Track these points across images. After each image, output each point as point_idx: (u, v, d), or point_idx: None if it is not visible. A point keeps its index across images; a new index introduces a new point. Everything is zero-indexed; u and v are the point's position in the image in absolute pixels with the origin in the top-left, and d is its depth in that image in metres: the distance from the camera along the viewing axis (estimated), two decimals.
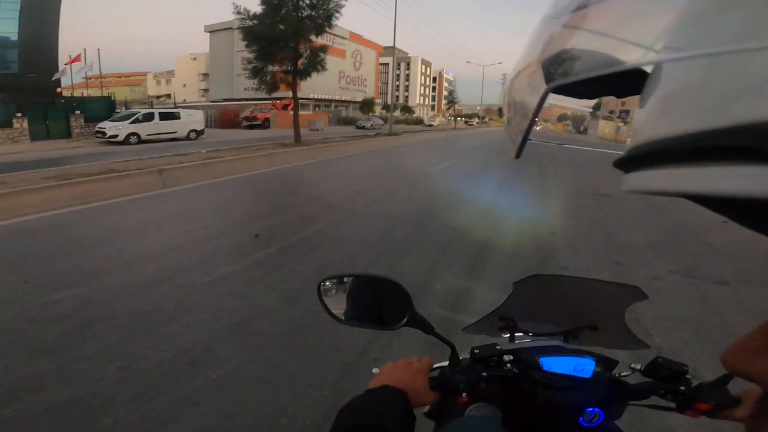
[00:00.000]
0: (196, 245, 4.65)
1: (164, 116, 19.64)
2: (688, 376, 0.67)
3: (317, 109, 44.39)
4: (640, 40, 0.21)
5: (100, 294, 3.40)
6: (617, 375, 0.73)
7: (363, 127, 36.23)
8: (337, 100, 48.69)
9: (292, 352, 2.66)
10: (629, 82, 0.24)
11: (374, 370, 0.73)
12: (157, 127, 19.17)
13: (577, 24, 0.26)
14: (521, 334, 0.89)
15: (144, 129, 18.63)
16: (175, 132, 19.86)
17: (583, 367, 0.71)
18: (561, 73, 0.26)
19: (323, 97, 45.49)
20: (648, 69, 0.24)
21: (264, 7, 13.79)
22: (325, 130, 30.26)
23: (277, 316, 3.10)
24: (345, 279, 0.79)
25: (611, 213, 7.01)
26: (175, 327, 2.93)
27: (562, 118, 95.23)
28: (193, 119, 20.92)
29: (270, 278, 3.80)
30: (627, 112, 56.89)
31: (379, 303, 0.76)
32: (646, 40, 0.21)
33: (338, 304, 0.78)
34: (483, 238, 5.19)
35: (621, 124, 50.20)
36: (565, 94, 0.29)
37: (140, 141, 18.28)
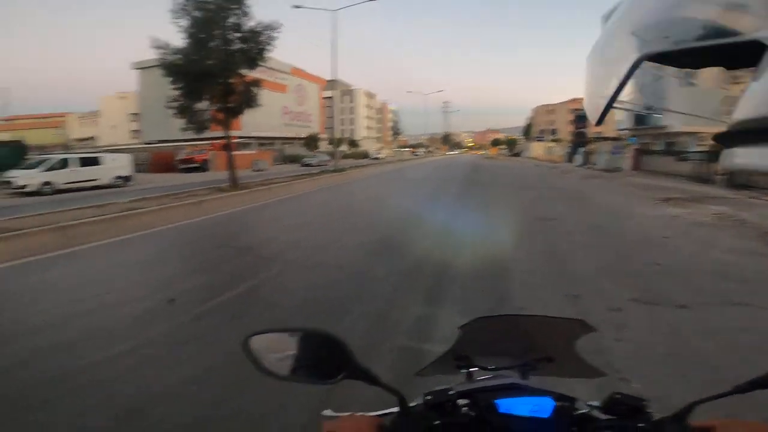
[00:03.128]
0: (88, 318, 3.79)
1: (84, 162, 17.90)
2: (648, 410, 0.64)
3: (261, 147, 43.39)
4: (763, 12, 0.19)
5: None
6: (576, 413, 0.68)
7: (309, 165, 35.59)
8: (282, 138, 47.94)
9: None
10: (743, 54, 0.22)
11: (324, 412, 0.73)
12: (75, 174, 17.38)
13: None
14: (479, 369, 0.91)
15: (60, 177, 16.80)
16: (98, 179, 18.14)
17: (541, 406, 0.68)
18: (660, 41, 0.25)
19: (267, 135, 44.60)
20: None
21: (189, 40, 12.95)
22: (270, 170, 29.38)
23: (180, 401, 2.47)
24: (275, 334, 0.76)
25: (557, 238, 6.92)
26: (44, 417, 2.31)
27: (496, 143, 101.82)
28: (118, 164, 19.29)
29: (180, 353, 3.10)
30: (554, 131, 62.01)
31: (316, 356, 0.72)
32: None
33: (269, 360, 0.73)
34: (432, 282, 4.75)
35: (552, 144, 53.88)
36: (662, 62, 0.27)
37: (56, 191, 16.42)
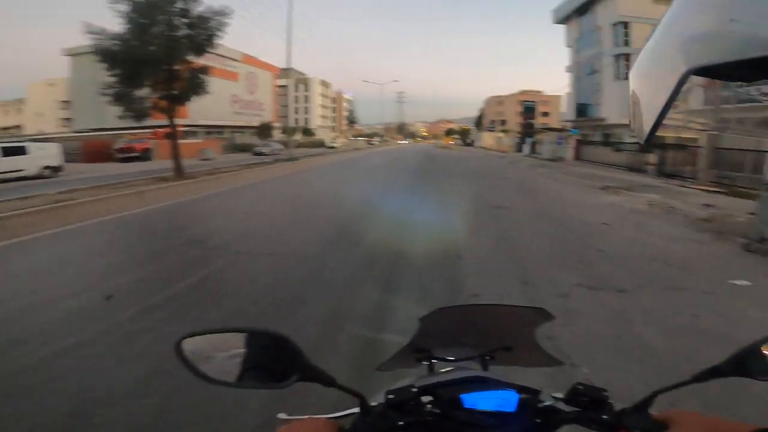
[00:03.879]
0: (18, 317, 3.46)
1: (7, 151, 16.19)
2: (610, 401, 0.65)
3: (209, 136, 41.36)
4: None
5: None
6: (540, 405, 0.69)
7: (261, 154, 34.36)
8: (232, 126, 46.01)
9: None
10: None
11: (279, 415, 0.69)
12: None
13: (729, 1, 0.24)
14: (439, 361, 0.91)
15: None
16: (23, 170, 16.49)
17: (505, 400, 0.67)
18: (707, 54, 0.25)
19: (215, 123, 42.61)
20: None
21: (128, 26, 12.04)
22: (218, 159, 28.06)
23: (127, 403, 2.31)
24: (215, 335, 0.65)
25: (507, 226, 7.19)
26: None
27: (449, 133, 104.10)
28: (46, 153, 17.61)
29: (121, 353, 2.89)
30: (504, 121, 64.63)
31: (263, 359, 0.64)
32: None
33: (208, 364, 0.62)
34: (387, 272, 4.76)
35: (501, 135, 55.78)
36: (710, 76, 0.26)
37: None
